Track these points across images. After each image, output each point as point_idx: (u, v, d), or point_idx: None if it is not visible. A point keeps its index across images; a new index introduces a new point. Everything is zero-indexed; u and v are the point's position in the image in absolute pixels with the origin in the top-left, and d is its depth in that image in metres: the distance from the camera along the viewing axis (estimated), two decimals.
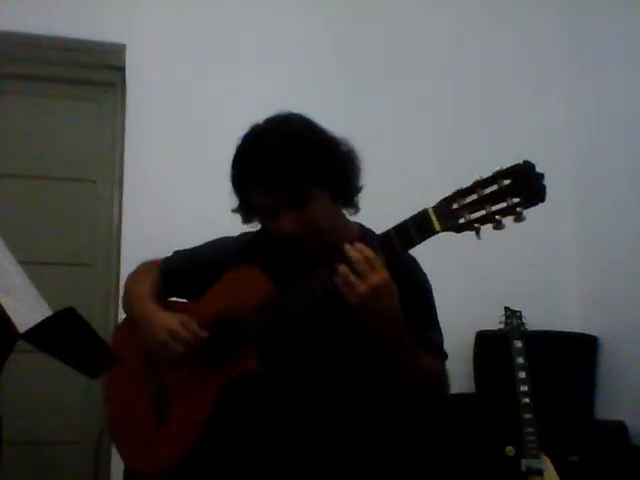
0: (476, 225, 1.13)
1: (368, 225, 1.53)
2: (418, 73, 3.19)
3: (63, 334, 1.26)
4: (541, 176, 1.10)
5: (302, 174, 1.33)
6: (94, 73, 3.00)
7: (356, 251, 1.20)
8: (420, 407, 1.47)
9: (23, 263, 1.40)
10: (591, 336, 2.94)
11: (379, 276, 1.19)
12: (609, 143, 3.00)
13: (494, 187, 1.12)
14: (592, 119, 3.13)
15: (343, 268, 1.20)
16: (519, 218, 1.10)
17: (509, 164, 1.12)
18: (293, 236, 1.35)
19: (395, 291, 1.22)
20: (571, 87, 3.25)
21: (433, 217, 1.16)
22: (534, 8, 3.31)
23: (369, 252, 1.20)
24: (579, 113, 3.20)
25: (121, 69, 2.93)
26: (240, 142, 1.41)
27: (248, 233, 1.59)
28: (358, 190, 1.46)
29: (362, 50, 3.14)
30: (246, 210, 1.47)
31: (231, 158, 1.42)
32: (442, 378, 1.42)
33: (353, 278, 1.19)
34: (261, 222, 1.48)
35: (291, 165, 1.32)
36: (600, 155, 3.06)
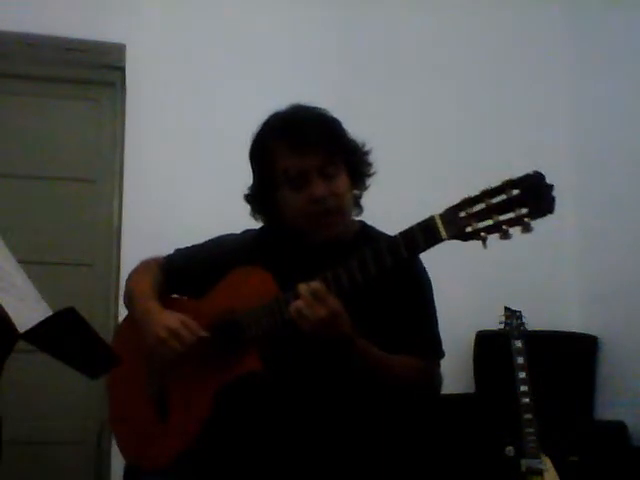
0: (483, 234, 1.12)
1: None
2: (418, 74, 3.19)
3: (63, 334, 1.26)
4: (551, 187, 1.09)
5: (336, 144, 1.43)
6: (94, 73, 3.00)
7: (305, 287, 1.25)
8: (409, 407, 1.47)
9: (23, 263, 1.40)
10: (591, 336, 2.94)
11: (325, 309, 1.23)
12: (609, 143, 3.01)
13: (502, 197, 1.11)
14: (593, 119, 3.13)
15: (292, 307, 1.25)
16: (527, 229, 1.09)
17: (519, 174, 1.11)
18: (322, 202, 1.39)
19: (344, 318, 1.26)
20: (572, 87, 3.25)
21: (440, 225, 1.16)
22: (535, 7, 3.31)
23: (316, 286, 1.24)
24: (580, 113, 3.20)
25: (121, 69, 2.93)
26: (270, 117, 1.48)
27: (251, 230, 1.59)
28: (366, 187, 1.51)
29: (362, 50, 3.15)
30: (265, 185, 1.47)
31: (255, 135, 1.49)
32: (426, 380, 1.42)
33: (305, 311, 1.24)
34: (281, 200, 1.46)
35: (329, 131, 1.43)
36: (600, 155, 3.06)
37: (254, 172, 1.51)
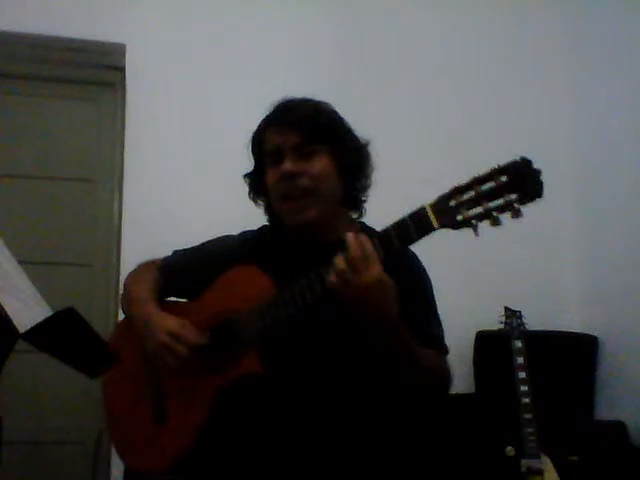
0: (473, 222, 1.13)
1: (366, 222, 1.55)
2: (417, 71, 3.19)
3: (63, 334, 1.26)
4: (538, 172, 1.10)
5: (317, 127, 1.43)
6: (94, 73, 3.00)
7: (356, 244, 1.19)
8: (420, 402, 1.47)
9: (23, 263, 1.40)
10: (591, 336, 2.94)
11: (373, 273, 1.18)
12: (609, 142, 3.00)
13: (491, 184, 1.12)
14: (592, 118, 3.13)
15: (340, 262, 1.19)
16: (517, 214, 1.10)
17: (506, 161, 1.12)
18: (288, 178, 1.40)
19: (391, 290, 1.21)
20: (572, 85, 3.25)
21: (431, 214, 1.16)
22: (535, 5, 3.31)
23: (369, 247, 1.19)
24: (580, 112, 3.20)
25: (121, 69, 2.93)
26: None
27: (249, 231, 1.59)
28: (365, 187, 1.51)
29: (362, 49, 3.15)
30: (257, 167, 1.52)
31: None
32: (443, 373, 1.41)
33: (348, 274, 1.18)
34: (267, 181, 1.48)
35: (310, 114, 1.45)
36: (600, 154, 3.06)
37: (252, 159, 1.55)
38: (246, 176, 1.56)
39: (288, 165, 1.41)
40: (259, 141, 1.50)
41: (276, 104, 1.50)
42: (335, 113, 1.51)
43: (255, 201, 1.56)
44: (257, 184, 1.53)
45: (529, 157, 1.12)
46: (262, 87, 2.90)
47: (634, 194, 2.83)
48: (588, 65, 3.19)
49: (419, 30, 3.21)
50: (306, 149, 1.42)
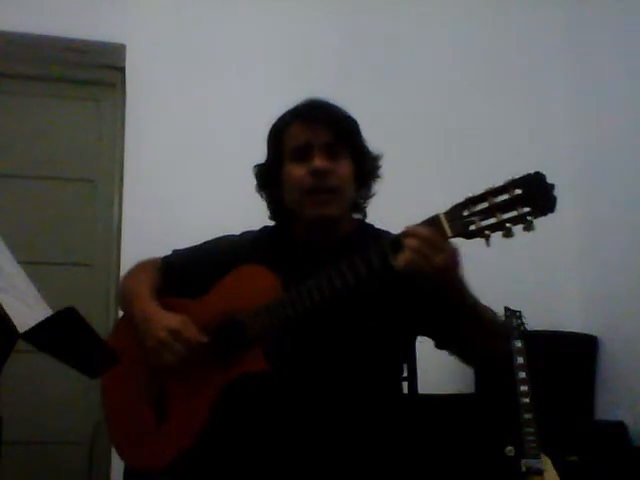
0: (486, 232, 1.15)
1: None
2: (418, 72, 3.19)
3: (63, 334, 1.26)
4: (552, 187, 1.12)
5: (346, 129, 1.46)
6: (94, 73, 3.00)
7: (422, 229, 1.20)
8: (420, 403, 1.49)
9: (23, 263, 1.40)
10: (591, 336, 2.94)
11: (442, 254, 1.21)
12: (609, 143, 3.01)
13: (505, 196, 1.14)
14: (592, 119, 3.13)
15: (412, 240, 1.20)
16: (529, 227, 1.12)
17: (520, 174, 1.13)
18: (321, 176, 1.40)
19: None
20: (571, 86, 3.25)
21: (445, 223, 1.18)
22: (535, 6, 3.31)
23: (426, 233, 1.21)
24: (579, 113, 3.20)
25: (121, 69, 2.93)
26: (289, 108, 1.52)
27: (250, 232, 1.59)
28: (371, 195, 1.54)
29: (362, 51, 3.15)
30: (273, 161, 1.50)
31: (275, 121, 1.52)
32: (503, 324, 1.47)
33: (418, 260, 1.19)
34: (284, 176, 1.47)
35: (340, 115, 1.47)
36: (600, 155, 3.06)
37: (267, 151, 1.54)
38: (257, 167, 1.55)
39: (321, 162, 1.41)
40: (280, 135, 1.49)
41: (302, 102, 1.50)
42: (356, 122, 1.52)
43: (260, 193, 1.56)
44: (268, 177, 1.52)
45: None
46: (262, 87, 2.92)
47: (634, 194, 2.83)
48: (588, 66, 3.19)
49: (419, 30, 3.21)
50: (334, 149, 1.43)
